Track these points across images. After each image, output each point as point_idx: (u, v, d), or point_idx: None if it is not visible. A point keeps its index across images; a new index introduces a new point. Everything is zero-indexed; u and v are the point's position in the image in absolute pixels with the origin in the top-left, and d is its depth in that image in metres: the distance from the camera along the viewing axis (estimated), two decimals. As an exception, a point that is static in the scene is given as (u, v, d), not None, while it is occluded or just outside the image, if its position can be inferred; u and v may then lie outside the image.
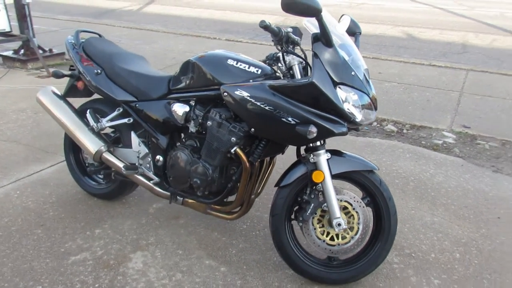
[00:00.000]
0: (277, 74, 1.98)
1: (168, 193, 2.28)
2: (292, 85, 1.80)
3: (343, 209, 1.96)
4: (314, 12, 1.64)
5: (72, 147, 2.68)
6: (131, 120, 2.33)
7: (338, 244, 1.97)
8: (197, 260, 2.17)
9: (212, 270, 2.11)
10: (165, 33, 7.77)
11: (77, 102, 2.57)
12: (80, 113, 2.49)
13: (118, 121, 2.35)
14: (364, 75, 1.85)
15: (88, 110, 2.41)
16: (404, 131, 3.83)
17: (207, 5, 11.38)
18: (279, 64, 1.96)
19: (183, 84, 2.14)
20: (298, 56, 1.88)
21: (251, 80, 1.92)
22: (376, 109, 1.88)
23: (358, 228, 1.97)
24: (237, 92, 1.88)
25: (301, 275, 2.04)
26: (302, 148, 2.04)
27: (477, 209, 2.65)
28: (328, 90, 1.75)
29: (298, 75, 1.90)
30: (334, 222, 1.92)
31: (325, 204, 1.94)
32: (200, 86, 2.07)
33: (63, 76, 2.50)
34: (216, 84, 1.99)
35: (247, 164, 1.98)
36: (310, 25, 1.85)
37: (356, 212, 1.97)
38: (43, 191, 2.71)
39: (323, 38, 1.75)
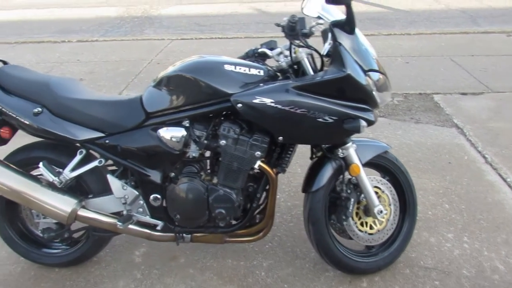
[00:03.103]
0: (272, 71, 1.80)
1: (172, 235, 1.91)
2: (324, 81, 1.65)
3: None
4: (347, 0, 1.53)
5: (7, 217, 2.01)
6: (103, 162, 1.85)
7: (378, 231, 1.95)
8: (233, 297, 1.91)
9: (256, 302, 1.88)
10: (-6, 45, 6.38)
11: None
12: (18, 169, 1.87)
13: (85, 167, 1.84)
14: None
15: (42, 163, 1.80)
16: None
17: (24, 4, 9.71)
18: (281, 59, 1.77)
19: (168, 104, 1.77)
20: (313, 49, 1.74)
21: (261, 84, 1.70)
22: (391, 88, 1.87)
23: (391, 209, 1.98)
24: (256, 101, 1.65)
25: (350, 274, 1.97)
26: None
27: (430, 160, 2.94)
28: (362, 80, 1.67)
29: (309, 69, 1.75)
30: (376, 210, 1.89)
31: (362, 195, 1.89)
32: (196, 102, 1.74)
33: (-21, 125, 1.83)
34: (218, 97, 1.71)
35: (274, 176, 1.79)
36: (326, 13, 1.70)
37: (386, 194, 1.97)
38: (-22, 284, 2.00)
39: (347, 25, 1.64)
